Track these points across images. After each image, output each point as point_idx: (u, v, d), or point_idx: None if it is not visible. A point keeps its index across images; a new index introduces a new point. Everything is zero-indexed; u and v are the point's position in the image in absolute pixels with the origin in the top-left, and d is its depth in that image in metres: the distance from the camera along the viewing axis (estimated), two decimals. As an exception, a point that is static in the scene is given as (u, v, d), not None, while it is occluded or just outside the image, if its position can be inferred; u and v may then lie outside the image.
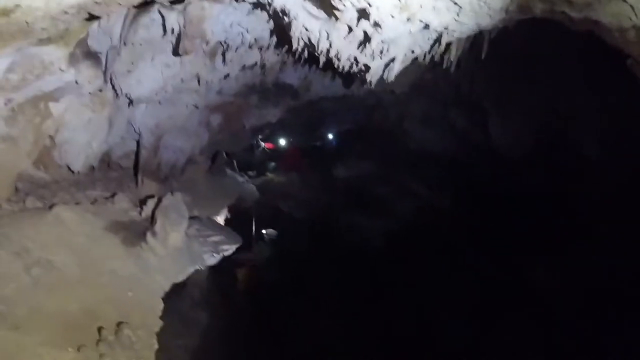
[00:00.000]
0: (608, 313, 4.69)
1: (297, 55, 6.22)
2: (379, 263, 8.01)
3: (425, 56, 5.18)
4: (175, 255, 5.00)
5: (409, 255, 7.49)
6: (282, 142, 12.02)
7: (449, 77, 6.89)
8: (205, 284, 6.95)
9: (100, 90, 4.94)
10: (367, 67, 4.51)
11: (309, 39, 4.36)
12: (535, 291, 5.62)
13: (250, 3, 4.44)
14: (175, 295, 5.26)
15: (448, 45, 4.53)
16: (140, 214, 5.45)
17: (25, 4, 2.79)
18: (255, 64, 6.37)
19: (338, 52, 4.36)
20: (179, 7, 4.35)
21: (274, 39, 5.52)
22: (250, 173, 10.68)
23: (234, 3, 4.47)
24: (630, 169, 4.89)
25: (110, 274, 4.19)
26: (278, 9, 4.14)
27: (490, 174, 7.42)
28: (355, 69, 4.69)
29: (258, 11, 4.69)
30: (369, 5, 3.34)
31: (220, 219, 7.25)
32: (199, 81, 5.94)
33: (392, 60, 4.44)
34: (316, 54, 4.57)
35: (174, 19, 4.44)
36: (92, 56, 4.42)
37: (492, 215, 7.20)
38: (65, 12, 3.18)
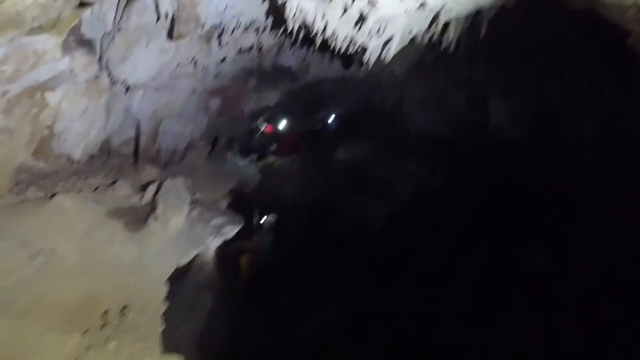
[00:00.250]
0: (609, 297, 4.72)
1: (293, 37, 6.18)
2: (380, 245, 8.06)
3: (423, 36, 5.13)
4: (178, 239, 5.04)
5: (410, 238, 7.53)
6: (282, 125, 11.94)
7: (449, 58, 6.82)
8: (210, 268, 7.02)
9: (97, 78, 4.91)
10: (365, 47, 4.48)
11: (304, 20, 4.30)
12: (534, 275, 5.65)
13: (243, -15, 4.39)
14: (180, 278, 5.34)
15: (446, 25, 4.48)
16: (141, 199, 5.48)
17: (14, -7, 2.76)
18: (252, 46, 6.32)
19: (334, 33, 4.32)
20: (172, -9, 4.31)
21: (270, 21, 5.47)
22: (251, 157, 10.66)
23: (227, -15, 4.42)
24: (630, 150, 4.87)
25: (113, 260, 4.23)
26: (272, -10, 4.09)
27: (491, 155, 7.40)
28: (352, 49, 4.65)
29: (252, -8, 4.64)
30: (363, -17, 3.30)
31: (222, 203, 7.28)
32: (195, 65, 5.91)
33: (390, 39, 4.40)
34: (312, 35, 4.53)
35: (167, 3, 4.39)
36: (86, 44, 4.38)
37: (492, 196, 7.21)
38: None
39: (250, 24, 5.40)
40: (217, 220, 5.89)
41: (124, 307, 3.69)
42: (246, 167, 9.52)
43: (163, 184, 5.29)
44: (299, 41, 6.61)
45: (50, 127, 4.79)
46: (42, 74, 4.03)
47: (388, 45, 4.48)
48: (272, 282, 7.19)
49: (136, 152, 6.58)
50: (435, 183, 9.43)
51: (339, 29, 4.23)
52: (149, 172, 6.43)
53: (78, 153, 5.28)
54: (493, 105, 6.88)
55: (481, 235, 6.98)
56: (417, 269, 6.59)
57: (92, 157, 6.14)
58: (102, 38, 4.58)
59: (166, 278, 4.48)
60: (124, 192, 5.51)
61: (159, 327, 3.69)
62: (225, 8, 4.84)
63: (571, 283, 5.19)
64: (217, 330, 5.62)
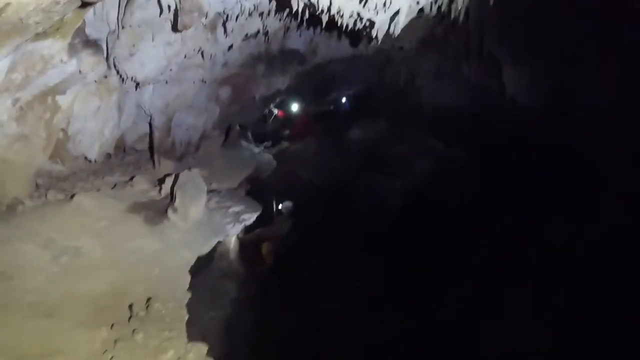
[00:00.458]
0: (624, 270, 4.58)
1: (299, 19, 6.09)
2: (400, 222, 8.03)
3: (431, 7, 4.97)
4: (198, 228, 5.13)
5: (429, 213, 7.48)
6: (294, 109, 11.87)
7: (459, 29, 6.61)
8: (232, 256, 7.13)
9: (106, 77, 4.96)
10: (372, 23, 4.36)
11: (309, -1, 4.22)
12: (551, 248, 5.54)
13: (243, -31, 4.31)
14: (202, 268, 5.44)
15: (454, -6, 4.33)
16: (159, 192, 5.59)
17: (15, 1, 2.78)
18: (258, 31, 6.25)
19: (340, 9, 4.22)
20: (172, -17, 4.27)
21: (274, 4, 5.38)
22: (266, 143, 10.68)
23: (227, -28, 4.34)
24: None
25: (136, 253, 4.34)
26: (272, -29, 4.01)
27: (507, 126, 7.20)
28: (359, 25, 4.55)
29: (253, -24, 4.56)
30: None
31: (239, 191, 7.35)
32: (202, 56, 5.89)
33: (397, 13, 4.28)
34: (318, 14, 4.45)
35: (168, -5, 4.36)
36: (91, 44, 4.41)
37: (509, 168, 7.05)
38: (57, 3, 3.16)
39: (254, 9, 5.32)
40: (236, 208, 5.97)
41: (149, 299, 3.78)
42: (261, 154, 9.54)
43: (180, 176, 5.37)
44: (304, 22, 6.53)
45: (64, 130, 4.88)
46: (52, 78, 4.09)
47: (396, 19, 4.36)
48: (295, 264, 7.26)
49: (151, 147, 6.67)
50: (453, 157, 9.28)
51: (344, 5, 4.14)
52: (165, 165, 6.54)
53: (94, 153, 5.38)
54: (507, 76, 6.65)
55: (502, 209, 6.87)
56: (438, 246, 6.54)
57: (108, 156, 6.27)
58: (107, 37, 4.59)
59: (189, 268, 4.58)
60: (142, 187, 5.63)
61: (184, 316, 3.77)
62: (228, -6, 4.78)
63: (587, 255, 5.08)
64: (242, 317, 5.74)
